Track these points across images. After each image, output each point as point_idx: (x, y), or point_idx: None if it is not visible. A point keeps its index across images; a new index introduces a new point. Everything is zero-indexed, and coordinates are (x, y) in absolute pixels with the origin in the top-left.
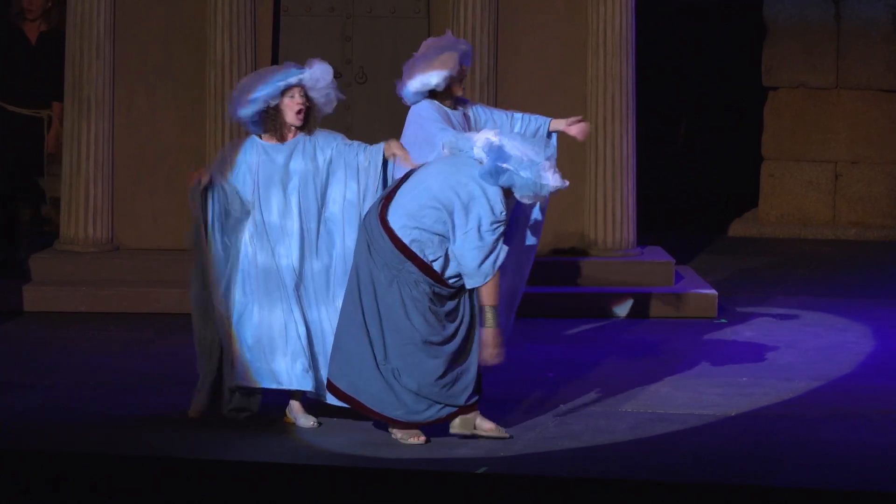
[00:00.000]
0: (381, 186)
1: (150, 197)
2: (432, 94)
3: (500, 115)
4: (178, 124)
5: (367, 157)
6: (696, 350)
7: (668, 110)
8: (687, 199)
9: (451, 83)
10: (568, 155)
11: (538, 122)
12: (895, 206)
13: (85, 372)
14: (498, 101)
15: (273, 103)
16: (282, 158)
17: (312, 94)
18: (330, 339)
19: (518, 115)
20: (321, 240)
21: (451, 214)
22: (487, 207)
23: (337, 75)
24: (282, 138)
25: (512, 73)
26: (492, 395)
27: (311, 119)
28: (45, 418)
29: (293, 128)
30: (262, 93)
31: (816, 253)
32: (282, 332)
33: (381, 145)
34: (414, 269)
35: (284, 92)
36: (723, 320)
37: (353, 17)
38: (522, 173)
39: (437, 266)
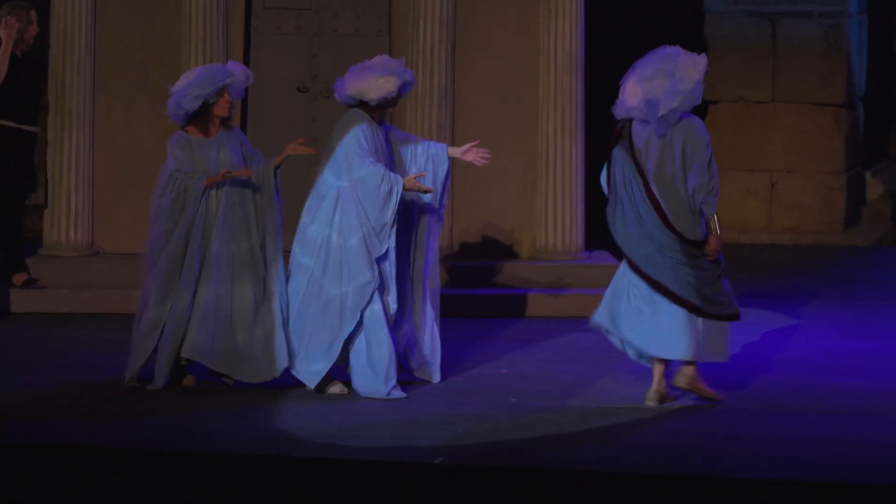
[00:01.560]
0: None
1: (128, 204)
2: (362, 104)
3: (409, 141)
4: (154, 135)
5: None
6: None
7: (617, 122)
8: None
9: (383, 104)
10: (523, 166)
11: (437, 147)
12: (827, 213)
13: (65, 369)
14: (455, 114)
15: (212, 100)
16: (213, 151)
17: (233, 92)
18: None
19: (422, 142)
20: (242, 224)
21: None
22: None
23: (304, 90)
24: (207, 133)
25: (467, 87)
26: (450, 388)
27: (231, 114)
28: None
29: (218, 122)
30: (206, 89)
31: (754, 257)
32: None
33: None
34: None
35: (222, 88)
36: None
37: (319, 36)
38: None
39: None
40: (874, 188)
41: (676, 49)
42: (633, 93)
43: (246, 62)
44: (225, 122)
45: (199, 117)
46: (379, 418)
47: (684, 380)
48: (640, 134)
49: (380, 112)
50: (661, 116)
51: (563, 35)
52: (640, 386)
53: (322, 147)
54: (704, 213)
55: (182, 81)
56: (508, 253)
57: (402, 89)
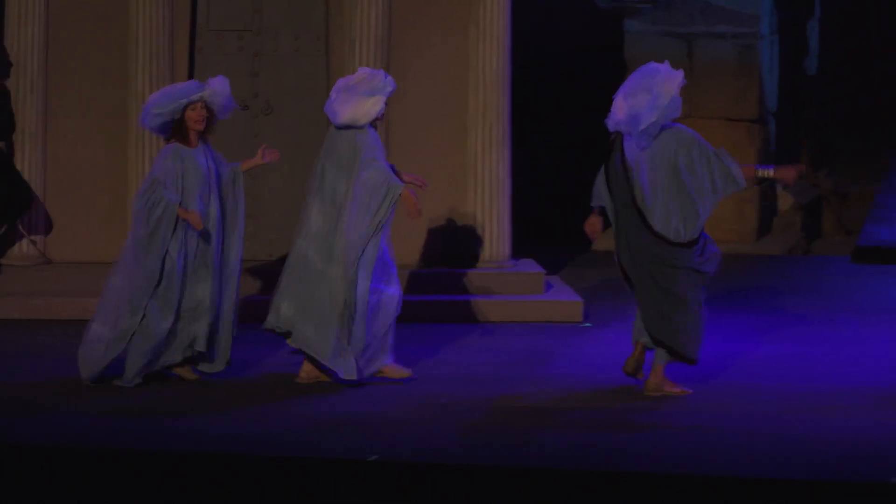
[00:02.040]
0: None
1: (79, 216)
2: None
3: None
4: (104, 151)
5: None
6: (563, 351)
7: (542, 138)
8: (557, 216)
9: (374, 123)
10: (453, 179)
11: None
12: (739, 223)
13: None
14: (389, 129)
15: (177, 116)
16: (202, 159)
17: (212, 105)
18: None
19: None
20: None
21: None
22: None
23: (245, 107)
24: (188, 143)
25: (402, 105)
26: (382, 390)
27: (209, 126)
28: None
29: (196, 134)
30: (166, 108)
31: None
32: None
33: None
34: None
35: (188, 106)
36: (587, 324)
37: (260, 56)
38: None
39: None
40: (785, 200)
41: (657, 66)
42: (619, 107)
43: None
44: (203, 135)
45: (179, 130)
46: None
47: (652, 388)
48: (631, 145)
49: (373, 125)
50: (642, 130)
51: (491, 55)
52: (564, 387)
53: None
54: (741, 188)
55: (149, 98)
56: (439, 261)
57: (388, 96)
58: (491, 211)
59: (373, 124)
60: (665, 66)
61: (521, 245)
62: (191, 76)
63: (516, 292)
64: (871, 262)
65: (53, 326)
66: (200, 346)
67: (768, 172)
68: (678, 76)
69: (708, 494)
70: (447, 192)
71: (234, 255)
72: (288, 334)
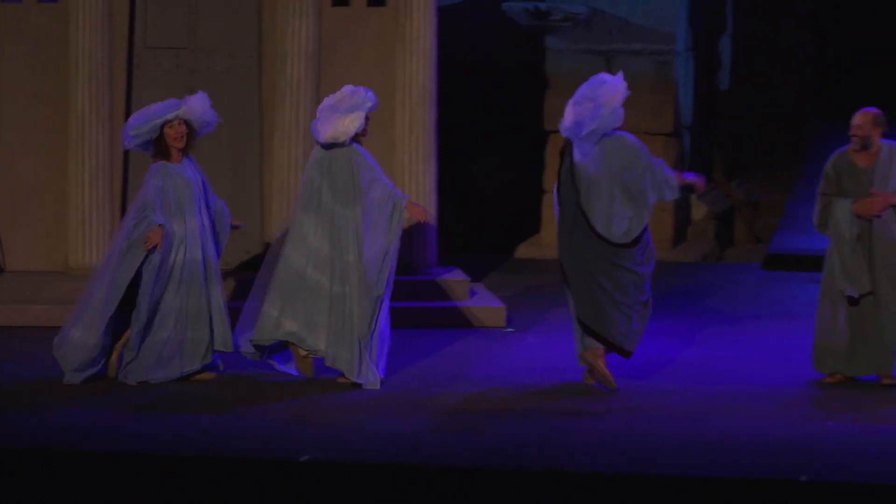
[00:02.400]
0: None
1: (23, 228)
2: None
3: None
4: (46, 166)
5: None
6: (487, 354)
7: (468, 151)
8: (481, 226)
9: (357, 137)
10: None
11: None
12: (656, 231)
13: None
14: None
15: (154, 135)
16: (189, 173)
17: (193, 123)
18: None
19: None
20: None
21: None
22: None
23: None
24: (170, 159)
25: None
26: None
27: (190, 142)
28: None
29: (178, 150)
30: (141, 129)
31: None
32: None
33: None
34: None
35: (165, 124)
36: (510, 329)
37: (195, 73)
38: None
39: None
40: (699, 209)
41: (605, 77)
42: (568, 114)
43: (128, 97)
44: (185, 151)
45: (160, 148)
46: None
47: (588, 359)
48: (578, 151)
49: (357, 140)
50: (583, 136)
51: (417, 72)
52: (488, 387)
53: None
54: (669, 199)
55: (128, 121)
56: None
57: (370, 111)
58: (418, 221)
59: (357, 140)
60: (612, 78)
61: (447, 253)
62: (129, 93)
63: (442, 299)
64: (780, 269)
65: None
66: (227, 346)
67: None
68: (621, 88)
69: (617, 492)
70: None
71: (215, 262)
72: (281, 346)
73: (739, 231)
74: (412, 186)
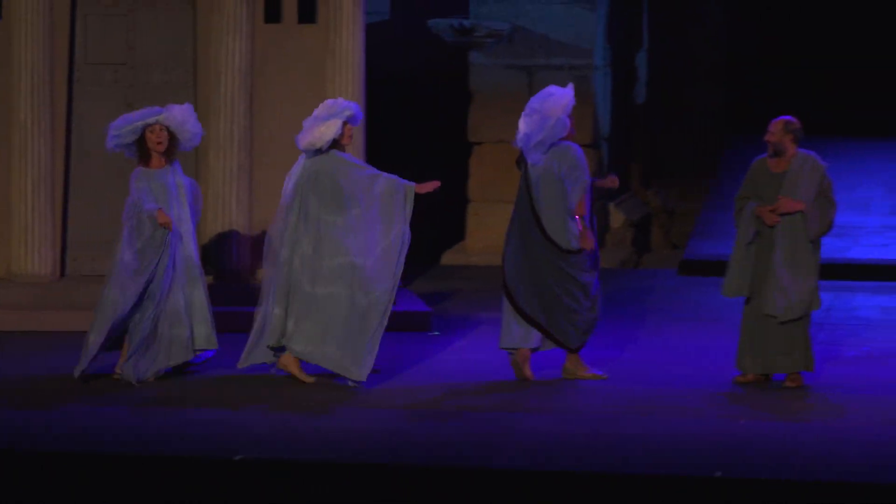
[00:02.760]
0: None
1: None
2: (320, 150)
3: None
4: None
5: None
6: (414, 357)
7: (395, 161)
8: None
9: (336, 144)
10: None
11: None
12: None
13: None
14: (254, 156)
15: (135, 137)
16: (168, 178)
17: (174, 130)
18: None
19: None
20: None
21: None
22: None
23: None
24: (150, 164)
25: (265, 131)
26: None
27: (171, 148)
28: None
29: (159, 155)
30: (122, 129)
31: None
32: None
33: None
34: None
35: (146, 128)
36: (436, 333)
37: (133, 87)
38: None
39: None
40: (616, 217)
41: (552, 89)
42: (520, 126)
43: (68, 111)
44: (167, 155)
45: (142, 152)
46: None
47: (568, 372)
48: (530, 159)
49: (337, 147)
50: (532, 146)
51: (346, 84)
52: (414, 388)
53: None
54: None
55: (112, 123)
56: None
57: (351, 122)
58: None
59: (339, 147)
60: (559, 90)
61: None
62: (69, 105)
63: None
64: (695, 274)
65: None
66: (211, 343)
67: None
68: (566, 100)
69: (549, 490)
70: (261, 210)
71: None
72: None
73: (656, 238)
74: None
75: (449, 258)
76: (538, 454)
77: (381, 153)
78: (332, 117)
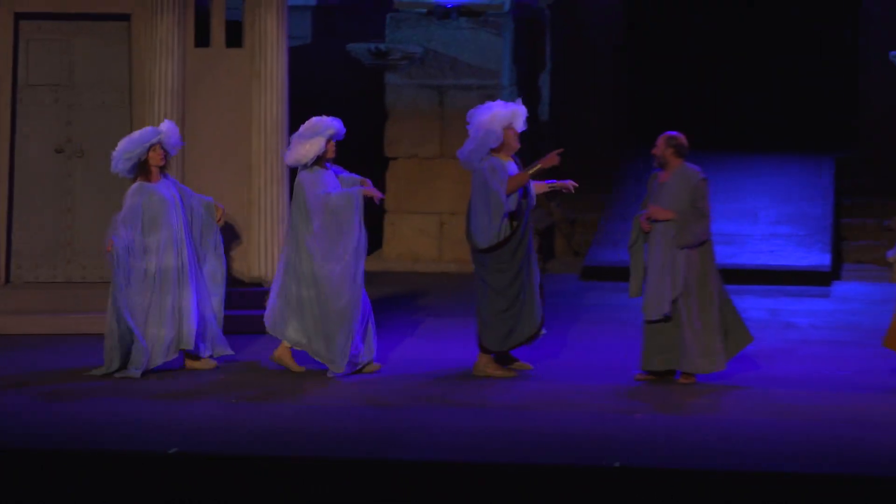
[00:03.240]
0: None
1: None
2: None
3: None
4: None
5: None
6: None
7: None
8: None
9: (320, 160)
10: (241, 211)
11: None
12: None
13: None
14: (185, 171)
15: (143, 157)
16: (166, 191)
17: (166, 145)
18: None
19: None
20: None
21: None
22: None
23: (60, 151)
24: (150, 179)
25: (197, 147)
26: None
27: (166, 162)
28: None
29: (157, 170)
30: (133, 152)
31: (428, 283)
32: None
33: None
34: None
35: (150, 148)
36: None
37: (72, 107)
38: None
39: None
40: None
41: (490, 104)
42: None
43: (12, 129)
44: (163, 170)
45: (143, 169)
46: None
47: (478, 370)
48: (470, 168)
49: (320, 162)
50: (469, 154)
51: (271, 105)
52: (326, 384)
53: (77, 196)
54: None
55: (118, 147)
56: (233, 281)
57: (334, 138)
58: (272, 237)
59: (321, 164)
60: (492, 105)
61: None
62: (13, 124)
63: None
64: (595, 280)
65: None
66: (188, 345)
67: (536, 167)
68: (492, 114)
69: (440, 480)
70: (237, 223)
71: (209, 267)
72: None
73: (559, 246)
74: (267, 207)
75: (367, 265)
76: (448, 447)
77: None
78: (316, 135)
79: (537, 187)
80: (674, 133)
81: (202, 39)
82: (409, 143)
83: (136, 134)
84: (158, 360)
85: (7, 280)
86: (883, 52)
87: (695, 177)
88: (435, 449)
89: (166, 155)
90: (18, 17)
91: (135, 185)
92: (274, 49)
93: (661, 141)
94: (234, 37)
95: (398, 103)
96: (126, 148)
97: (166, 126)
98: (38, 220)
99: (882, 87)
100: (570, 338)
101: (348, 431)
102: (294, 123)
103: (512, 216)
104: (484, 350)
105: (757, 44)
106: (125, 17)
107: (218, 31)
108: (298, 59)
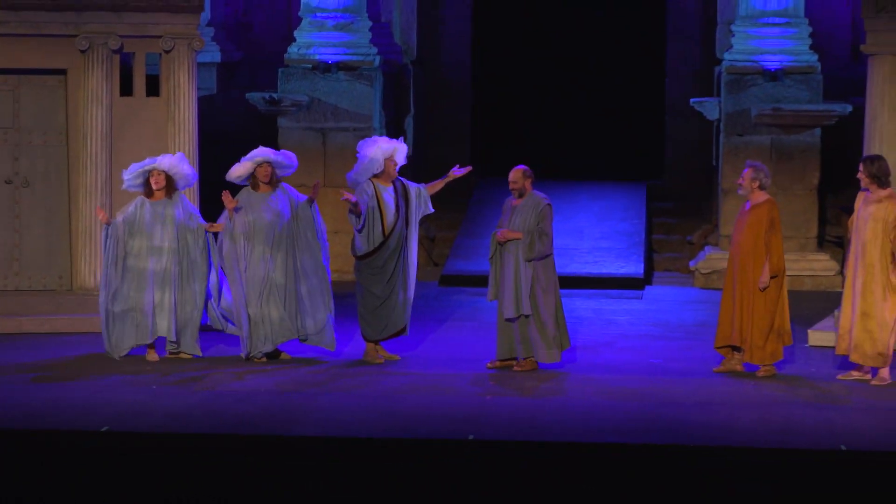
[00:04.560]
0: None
1: None
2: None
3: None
4: None
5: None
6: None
7: (220, 207)
8: None
9: (255, 182)
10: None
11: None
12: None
13: None
14: (112, 200)
15: (143, 180)
16: (160, 209)
17: (170, 173)
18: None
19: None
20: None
21: None
22: None
23: (9, 181)
24: (151, 197)
25: (122, 180)
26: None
27: (169, 187)
28: None
29: (160, 191)
30: (132, 175)
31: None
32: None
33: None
34: None
35: (149, 174)
36: None
37: (19, 146)
38: None
39: None
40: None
41: (376, 137)
42: None
43: None
44: (167, 190)
45: (147, 189)
46: None
47: (366, 357)
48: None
49: (256, 183)
50: (355, 178)
51: (184, 144)
52: (264, 376)
53: (25, 222)
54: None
55: (126, 170)
56: None
57: (273, 165)
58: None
59: (254, 186)
60: (378, 139)
61: None
62: None
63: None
64: (452, 286)
65: None
66: (168, 334)
67: (441, 184)
68: (377, 146)
69: (342, 454)
70: None
71: (195, 272)
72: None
73: (421, 258)
74: None
75: None
76: (331, 424)
77: (211, 202)
78: (247, 160)
79: (434, 186)
80: (526, 167)
81: (126, 90)
82: (298, 175)
83: (135, 164)
84: (145, 340)
85: None
86: (685, 100)
87: (541, 202)
88: (322, 426)
89: (169, 180)
90: None
91: (138, 197)
92: (186, 98)
93: (517, 174)
94: (153, 87)
95: (288, 143)
96: (130, 170)
97: (165, 157)
98: None
99: (683, 128)
100: (430, 333)
101: (254, 411)
102: (203, 160)
103: (384, 230)
104: (366, 340)
105: (584, 88)
106: (62, 72)
107: (139, 83)
108: (206, 107)
